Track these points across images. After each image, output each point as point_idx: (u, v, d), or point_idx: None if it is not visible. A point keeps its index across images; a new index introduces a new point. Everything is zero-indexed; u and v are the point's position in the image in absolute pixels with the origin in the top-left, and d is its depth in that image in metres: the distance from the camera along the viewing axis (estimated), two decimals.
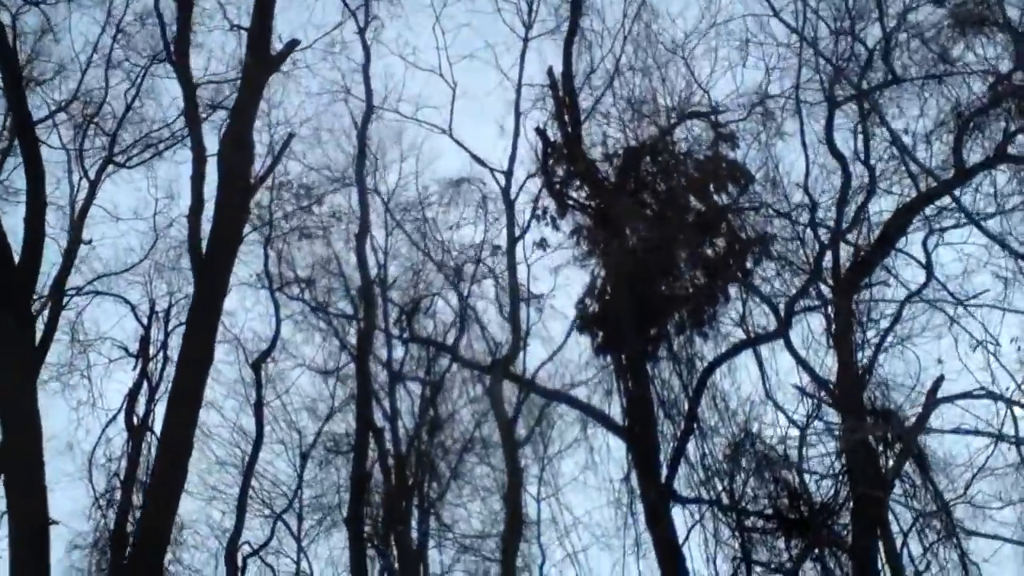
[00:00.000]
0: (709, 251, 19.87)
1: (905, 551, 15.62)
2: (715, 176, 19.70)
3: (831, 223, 16.21)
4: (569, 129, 20.07)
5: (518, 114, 20.04)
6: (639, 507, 16.91)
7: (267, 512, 19.81)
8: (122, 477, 19.08)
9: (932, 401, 15.34)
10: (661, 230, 19.44)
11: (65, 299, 17.91)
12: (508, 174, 19.86)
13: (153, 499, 13.00)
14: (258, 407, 19.08)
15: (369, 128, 20.11)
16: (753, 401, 17.35)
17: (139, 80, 19.31)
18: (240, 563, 18.01)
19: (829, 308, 15.90)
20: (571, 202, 20.18)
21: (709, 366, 16.91)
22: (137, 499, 18.67)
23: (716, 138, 20.06)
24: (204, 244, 13.91)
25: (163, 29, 16.90)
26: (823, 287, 16.07)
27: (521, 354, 19.05)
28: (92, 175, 18.92)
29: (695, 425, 16.69)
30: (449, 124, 20.03)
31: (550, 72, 20.27)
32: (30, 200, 13.47)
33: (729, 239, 19.56)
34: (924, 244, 15.27)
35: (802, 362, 15.64)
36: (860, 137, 15.87)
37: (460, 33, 20.25)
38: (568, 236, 19.92)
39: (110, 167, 19.28)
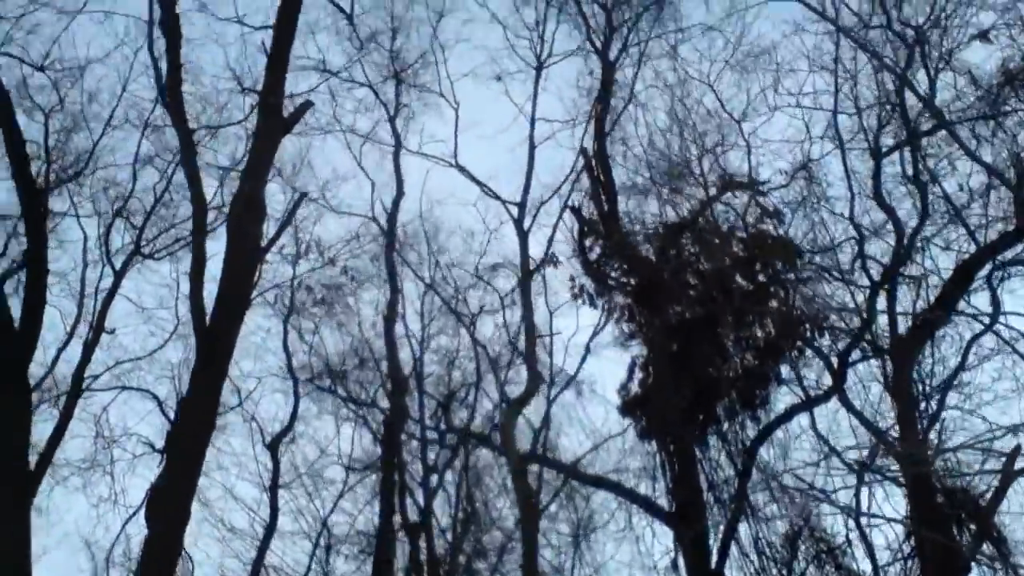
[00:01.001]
0: (758, 331, 18.92)
1: None
2: (761, 252, 18.76)
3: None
4: (605, 207, 19.39)
5: (532, 146, 19.72)
6: None
7: None
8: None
9: (1010, 472, 13.85)
10: (706, 309, 18.50)
11: (85, 388, 17.32)
12: (522, 205, 19.34)
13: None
14: (273, 490, 18.11)
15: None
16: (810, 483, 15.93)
17: (170, 174, 19.26)
18: None
19: (886, 360, 14.58)
20: (611, 282, 19.33)
21: (760, 435, 15.58)
22: None
23: (761, 214, 19.22)
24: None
25: (157, 74, 16.09)
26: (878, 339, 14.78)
27: (557, 440, 18.02)
28: (117, 266, 18.53)
29: (746, 505, 15.28)
30: (454, 154, 19.80)
31: (583, 150, 19.82)
32: (31, 264, 13.03)
33: (779, 318, 18.52)
34: (989, 279, 13.97)
35: (859, 415, 14.28)
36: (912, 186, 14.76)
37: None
38: (607, 314, 18.97)
39: (136, 258, 18.93)
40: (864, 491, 14.91)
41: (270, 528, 17.72)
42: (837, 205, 16.93)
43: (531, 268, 18.71)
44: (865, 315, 14.67)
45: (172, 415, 20.04)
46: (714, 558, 15.01)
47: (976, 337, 14.17)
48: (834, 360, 15.17)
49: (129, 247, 18.91)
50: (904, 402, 13.95)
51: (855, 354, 15.14)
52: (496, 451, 18.61)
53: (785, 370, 18.18)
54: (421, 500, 19.39)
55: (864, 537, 14.66)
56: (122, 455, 19.92)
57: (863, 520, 14.95)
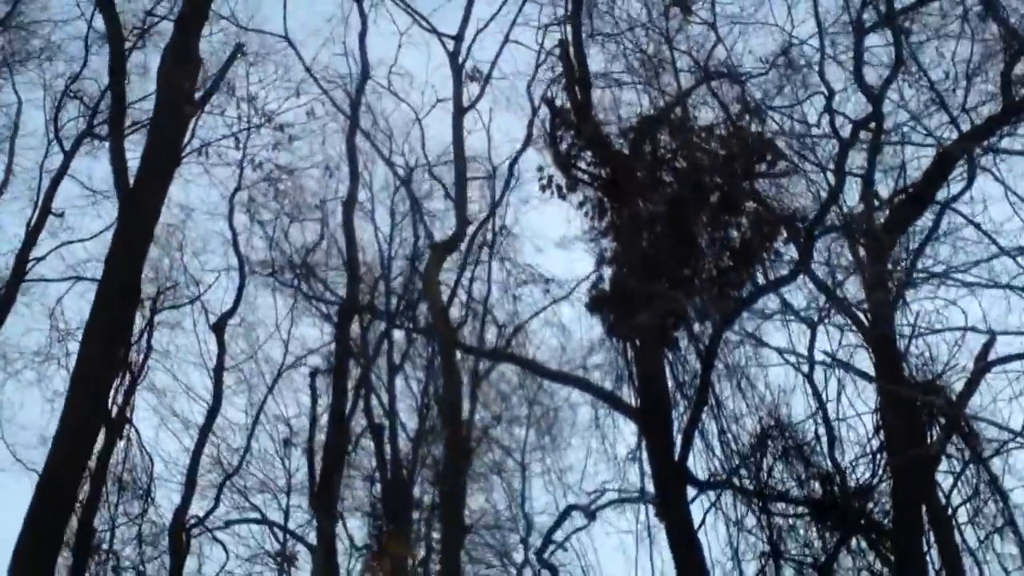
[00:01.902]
0: (733, 231, 18.34)
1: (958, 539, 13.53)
2: (741, 152, 18.05)
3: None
4: (578, 95, 18.59)
5: None
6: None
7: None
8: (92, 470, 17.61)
9: (983, 366, 13.38)
10: (680, 207, 17.88)
11: (29, 271, 16.66)
12: (458, 39, 18.64)
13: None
14: (218, 371, 17.62)
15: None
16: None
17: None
18: (185, 537, 16.37)
19: (857, 239, 13.98)
20: (582, 174, 18.65)
21: (723, 321, 15.00)
22: (107, 495, 17.33)
23: (741, 111, 18.45)
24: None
25: None
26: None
27: (523, 334, 17.50)
28: (68, 146, 17.76)
29: (711, 395, 14.85)
30: None
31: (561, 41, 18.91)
32: None
33: (755, 218, 17.91)
34: (969, 154, 13.28)
35: (825, 287, 13.72)
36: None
37: None
38: (576, 207, 18.32)
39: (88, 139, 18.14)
40: (832, 382, 14.44)
41: (213, 411, 17.29)
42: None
43: (464, 106, 18.05)
44: (834, 178, 13.95)
45: None
46: (677, 451, 14.54)
47: (951, 200, 13.52)
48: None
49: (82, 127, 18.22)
50: (876, 291, 13.39)
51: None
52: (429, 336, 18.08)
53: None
54: (386, 400, 19.02)
55: (831, 431, 14.21)
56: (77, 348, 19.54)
57: (831, 415, 14.52)
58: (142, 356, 19.19)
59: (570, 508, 16.24)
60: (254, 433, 17.93)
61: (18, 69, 19.10)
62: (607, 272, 18.02)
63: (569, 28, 18.59)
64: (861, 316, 13.58)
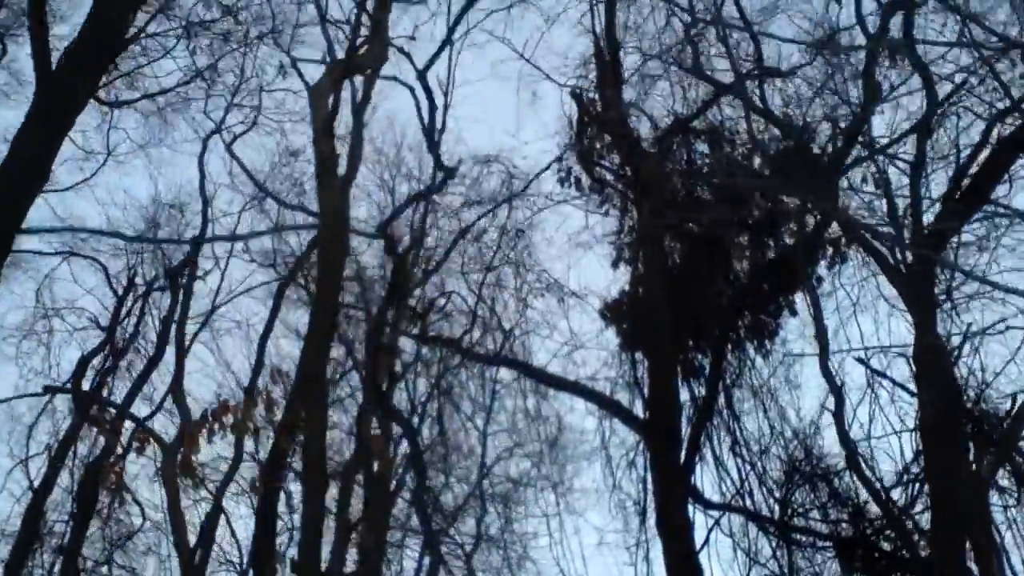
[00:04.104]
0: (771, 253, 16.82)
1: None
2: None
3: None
4: (608, 92, 17.24)
5: None
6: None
7: None
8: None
9: None
10: (715, 223, 16.44)
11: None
12: None
13: None
14: None
15: None
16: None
17: None
18: None
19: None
20: (607, 175, 17.24)
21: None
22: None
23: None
24: None
25: None
26: None
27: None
28: None
29: (724, 407, 13.17)
30: None
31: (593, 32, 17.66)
32: None
33: (799, 240, 16.35)
34: None
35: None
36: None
37: None
38: (597, 206, 16.88)
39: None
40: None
41: None
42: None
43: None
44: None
45: (118, 289, 18.53)
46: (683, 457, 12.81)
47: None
48: None
49: None
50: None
51: None
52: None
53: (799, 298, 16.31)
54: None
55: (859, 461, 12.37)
56: (62, 326, 18.49)
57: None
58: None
59: None
60: None
61: None
62: (625, 279, 16.56)
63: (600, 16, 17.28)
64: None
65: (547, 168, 17.20)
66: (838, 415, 12.24)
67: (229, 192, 18.59)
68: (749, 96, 15.39)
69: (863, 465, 12.51)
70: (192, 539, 15.35)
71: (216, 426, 13.96)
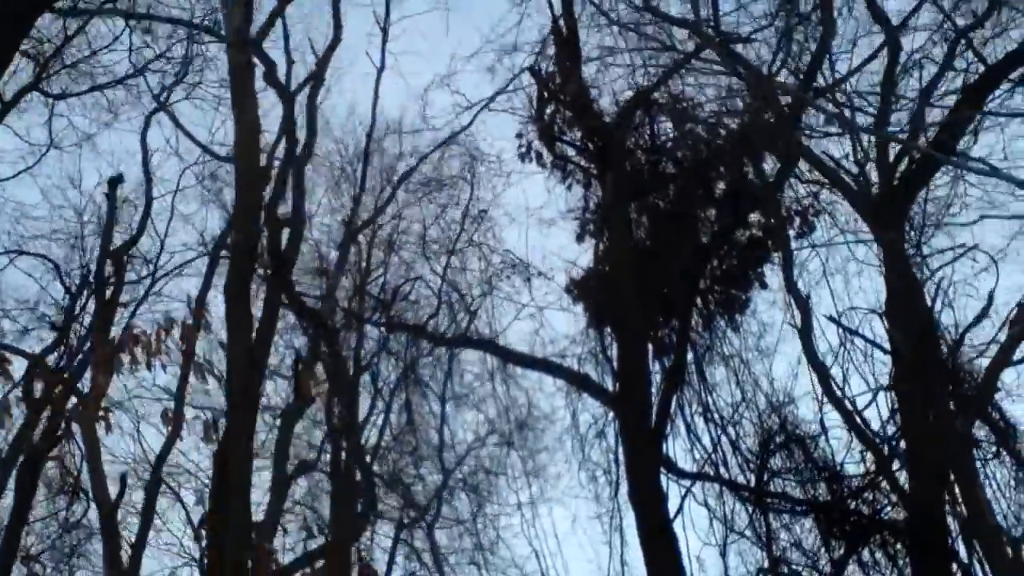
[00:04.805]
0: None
1: None
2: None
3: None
4: (568, 63, 16.87)
5: None
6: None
7: None
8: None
9: (1015, 341, 11.38)
10: (682, 198, 16.19)
11: None
12: None
13: None
14: None
15: None
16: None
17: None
18: None
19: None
20: (570, 150, 16.86)
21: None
22: None
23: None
24: None
25: None
26: None
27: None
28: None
29: (690, 368, 12.82)
30: None
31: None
32: None
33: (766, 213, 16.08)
34: None
35: None
36: None
37: None
38: (560, 181, 16.50)
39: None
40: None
41: None
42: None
43: None
44: None
45: (71, 285, 18.00)
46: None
47: None
48: None
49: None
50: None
51: None
52: None
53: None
54: None
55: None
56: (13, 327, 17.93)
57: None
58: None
59: None
60: None
61: None
62: (589, 254, 16.20)
63: None
64: None
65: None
66: (805, 336, 11.99)
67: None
68: (707, 32, 15.05)
69: (834, 388, 12.19)
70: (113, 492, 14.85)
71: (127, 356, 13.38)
